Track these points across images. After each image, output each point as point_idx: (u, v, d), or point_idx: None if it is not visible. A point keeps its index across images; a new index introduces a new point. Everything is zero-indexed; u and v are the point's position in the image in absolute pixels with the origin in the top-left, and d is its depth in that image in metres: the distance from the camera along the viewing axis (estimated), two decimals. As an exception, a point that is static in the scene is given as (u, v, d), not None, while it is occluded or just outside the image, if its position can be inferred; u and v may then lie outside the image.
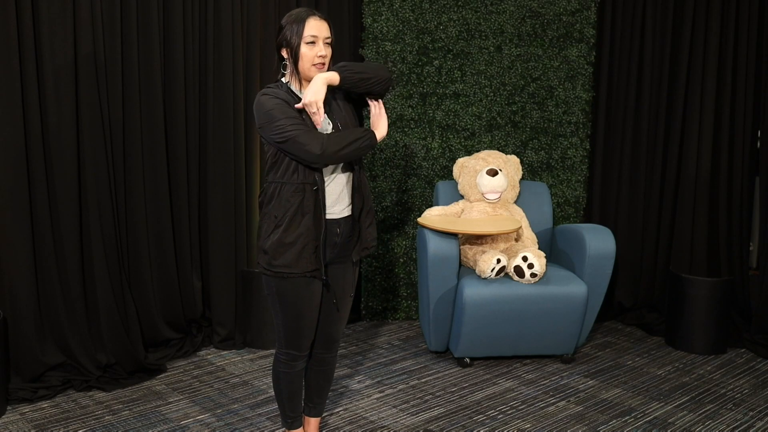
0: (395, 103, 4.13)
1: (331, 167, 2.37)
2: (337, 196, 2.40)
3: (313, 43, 2.29)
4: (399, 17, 4.08)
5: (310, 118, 2.29)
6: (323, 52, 2.31)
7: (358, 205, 2.44)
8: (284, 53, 2.35)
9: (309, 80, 2.35)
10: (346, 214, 2.44)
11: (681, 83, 4.18)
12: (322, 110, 2.25)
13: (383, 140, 2.25)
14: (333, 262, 2.47)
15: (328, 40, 2.33)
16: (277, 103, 2.26)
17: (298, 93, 2.36)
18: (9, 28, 2.95)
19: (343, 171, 2.41)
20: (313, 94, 2.24)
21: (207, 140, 3.71)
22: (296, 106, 2.29)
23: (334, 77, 2.28)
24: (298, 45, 2.29)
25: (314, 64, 2.31)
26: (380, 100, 2.44)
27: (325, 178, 2.37)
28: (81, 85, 3.19)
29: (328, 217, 2.38)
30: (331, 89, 2.33)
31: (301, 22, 2.30)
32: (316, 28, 2.30)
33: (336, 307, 2.53)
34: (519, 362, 3.71)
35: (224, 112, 3.69)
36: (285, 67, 2.39)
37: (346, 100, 2.46)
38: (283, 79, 2.40)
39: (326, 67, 2.34)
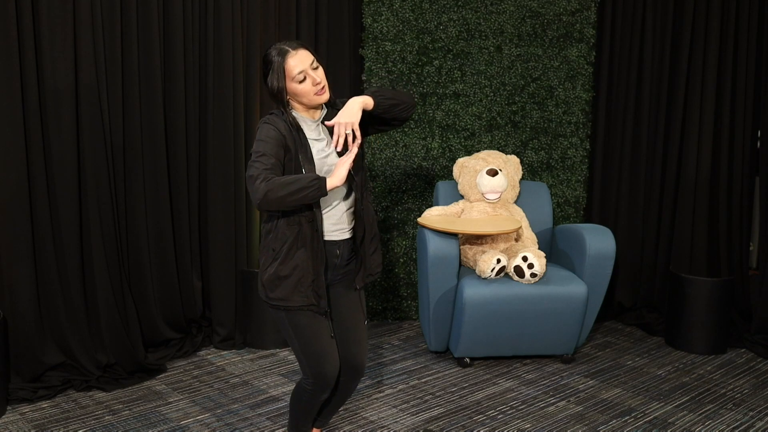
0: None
1: (331, 196, 2.31)
2: (337, 219, 2.36)
3: (303, 78, 2.25)
4: (399, 17, 4.08)
5: (297, 155, 2.24)
6: (318, 79, 2.26)
7: (360, 233, 2.38)
8: (285, 98, 2.29)
9: (316, 106, 2.32)
10: (346, 237, 2.39)
11: (681, 83, 4.18)
12: (358, 132, 2.20)
13: (334, 188, 2.18)
14: (335, 283, 2.43)
15: (315, 65, 2.27)
16: (270, 136, 2.22)
17: (301, 120, 2.32)
18: (9, 29, 2.95)
19: (345, 199, 2.37)
20: (348, 116, 2.19)
21: (207, 140, 3.71)
22: (326, 123, 2.25)
23: (368, 102, 2.26)
24: (292, 87, 2.25)
25: (315, 93, 2.27)
26: (358, 143, 2.28)
27: (326, 206, 2.32)
28: (81, 85, 3.19)
29: (327, 238, 2.34)
30: (332, 112, 2.31)
31: (281, 68, 2.24)
32: (297, 62, 2.24)
33: (342, 337, 2.45)
34: (519, 362, 3.71)
35: (224, 112, 3.69)
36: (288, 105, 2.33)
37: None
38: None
39: (326, 89, 2.29)
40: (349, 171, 2.28)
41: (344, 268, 2.42)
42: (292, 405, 2.54)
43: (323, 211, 2.32)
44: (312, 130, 2.33)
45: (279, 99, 2.28)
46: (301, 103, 2.31)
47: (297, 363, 3.37)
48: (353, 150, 2.25)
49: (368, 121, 2.41)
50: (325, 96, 2.30)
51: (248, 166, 2.20)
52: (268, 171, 2.16)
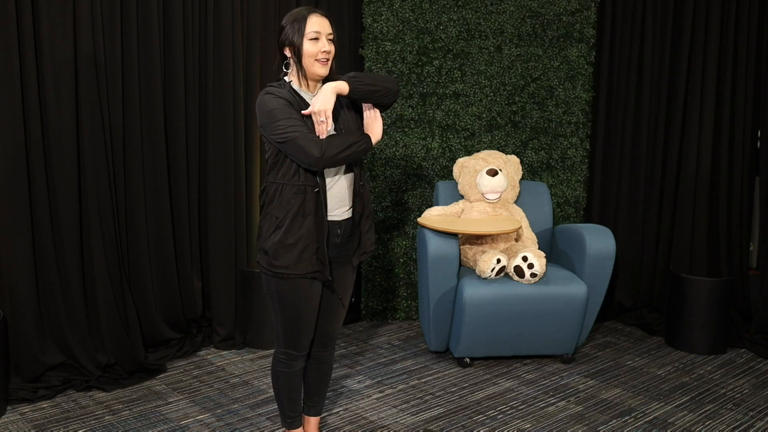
0: (395, 103, 4.13)
1: (333, 170, 2.37)
2: (339, 198, 2.40)
3: (316, 39, 2.30)
4: (399, 17, 4.08)
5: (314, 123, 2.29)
6: (327, 48, 2.31)
7: (359, 210, 2.44)
8: (287, 52, 2.35)
9: (313, 78, 2.36)
10: (347, 216, 2.44)
11: (681, 83, 4.18)
12: (330, 120, 2.25)
13: (378, 143, 2.24)
14: (332, 262, 2.48)
15: (331, 37, 2.34)
16: (280, 102, 2.26)
17: (300, 92, 2.36)
18: (9, 28, 2.95)
19: (345, 173, 2.41)
20: (322, 103, 2.24)
21: (207, 140, 3.71)
22: (303, 113, 2.29)
23: (343, 87, 2.28)
24: (301, 42, 2.30)
25: (318, 59, 2.31)
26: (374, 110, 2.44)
27: (327, 180, 2.37)
28: (81, 85, 3.19)
29: (329, 218, 2.38)
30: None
31: (302, 20, 2.30)
32: (318, 24, 2.30)
33: (342, 303, 2.55)
34: (519, 362, 3.71)
35: (224, 112, 3.69)
36: (287, 66, 2.39)
37: (350, 105, 2.45)
38: (285, 78, 2.40)
39: (330, 63, 2.34)
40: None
41: (341, 246, 2.46)
42: (275, 389, 2.60)
43: (328, 186, 2.37)
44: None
45: (292, 48, 2.31)
46: (303, 69, 2.33)
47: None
48: (372, 109, 2.39)
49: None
50: (324, 70, 2.34)
51: (278, 132, 2.24)
52: (307, 129, 2.25)
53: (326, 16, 2.34)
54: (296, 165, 2.31)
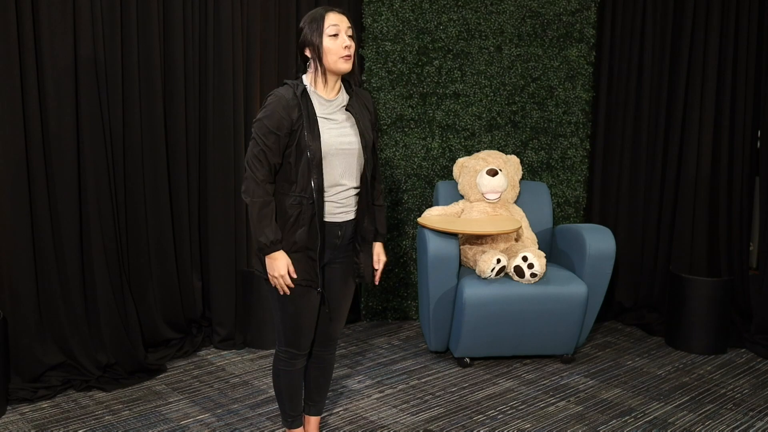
0: (395, 103, 4.13)
1: (334, 184, 2.36)
2: (340, 204, 2.40)
3: (335, 35, 2.29)
4: (399, 17, 4.08)
5: (302, 132, 2.28)
6: (348, 43, 2.30)
7: (362, 216, 2.44)
8: (308, 53, 2.34)
9: (337, 74, 2.34)
10: (350, 218, 2.43)
11: (681, 83, 4.18)
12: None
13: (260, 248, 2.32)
14: (332, 263, 2.48)
15: (350, 33, 2.32)
16: (272, 115, 2.27)
17: (313, 93, 2.35)
18: (9, 29, 2.95)
19: (347, 189, 2.41)
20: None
21: (207, 140, 3.71)
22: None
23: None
24: (321, 41, 2.29)
25: (341, 57, 2.29)
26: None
27: (329, 190, 2.35)
28: (81, 86, 3.19)
29: (329, 219, 2.38)
30: (356, 99, 2.40)
31: (320, 19, 2.29)
32: (336, 19, 2.30)
33: (330, 316, 2.54)
34: (519, 362, 3.71)
35: (224, 112, 3.69)
36: (309, 67, 2.37)
37: (364, 106, 2.46)
38: (304, 77, 2.39)
39: (351, 59, 2.32)
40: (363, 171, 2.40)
41: (342, 249, 2.46)
42: (276, 388, 2.60)
43: (329, 195, 2.36)
44: (324, 108, 2.35)
45: (312, 48, 2.31)
46: (323, 68, 2.32)
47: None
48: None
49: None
50: (348, 65, 2.32)
51: (250, 141, 2.32)
52: (258, 161, 2.28)
53: (343, 13, 2.34)
54: (294, 176, 2.31)
